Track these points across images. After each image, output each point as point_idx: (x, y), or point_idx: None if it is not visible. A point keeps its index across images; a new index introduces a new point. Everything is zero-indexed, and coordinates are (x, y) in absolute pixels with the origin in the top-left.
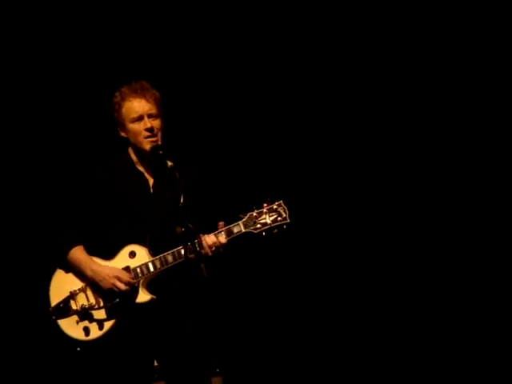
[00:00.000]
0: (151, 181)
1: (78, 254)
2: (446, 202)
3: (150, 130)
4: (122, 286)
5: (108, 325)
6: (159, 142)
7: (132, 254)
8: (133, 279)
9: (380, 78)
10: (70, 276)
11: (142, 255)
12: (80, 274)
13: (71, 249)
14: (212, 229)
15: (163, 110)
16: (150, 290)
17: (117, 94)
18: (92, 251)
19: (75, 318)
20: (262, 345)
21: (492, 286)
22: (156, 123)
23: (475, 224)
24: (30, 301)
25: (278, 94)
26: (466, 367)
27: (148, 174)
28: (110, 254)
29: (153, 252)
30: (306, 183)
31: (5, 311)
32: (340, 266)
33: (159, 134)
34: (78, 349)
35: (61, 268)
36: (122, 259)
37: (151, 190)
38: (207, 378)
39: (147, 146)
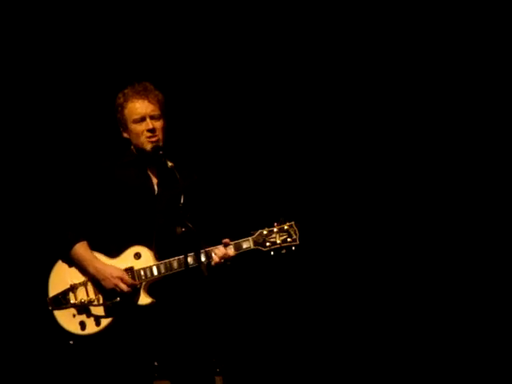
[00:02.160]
0: (155, 180)
1: (81, 250)
2: (455, 212)
3: (152, 130)
4: (125, 288)
5: (105, 322)
6: (160, 143)
7: (137, 256)
8: (135, 281)
9: (388, 91)
10: (72, 269)
11: (147, 258)
12: (82, 270)
13: (75, 244)
14: (213, 235)
15: (166, 112)
16: (150, 291)
17: (120, 95)
18: (96, 247)
19: (72, 311)
20: (261, 345)
21: (492, 286)
22: (158, 124)
23: (477, 225)
24: (28, 290)
25: (293, 108)
26: (466, 367)
27: (151, 172)
28: (114, 252)
29: (158, 255)
30: (320, 206)
31: (5, 304)
32: (338, 269)
33: (161, 135)
34: (71, 342)
35: (64, 262)
36: (126, 259)
37: (155, 188)
38: (208, 378)
39: (148, 147)
